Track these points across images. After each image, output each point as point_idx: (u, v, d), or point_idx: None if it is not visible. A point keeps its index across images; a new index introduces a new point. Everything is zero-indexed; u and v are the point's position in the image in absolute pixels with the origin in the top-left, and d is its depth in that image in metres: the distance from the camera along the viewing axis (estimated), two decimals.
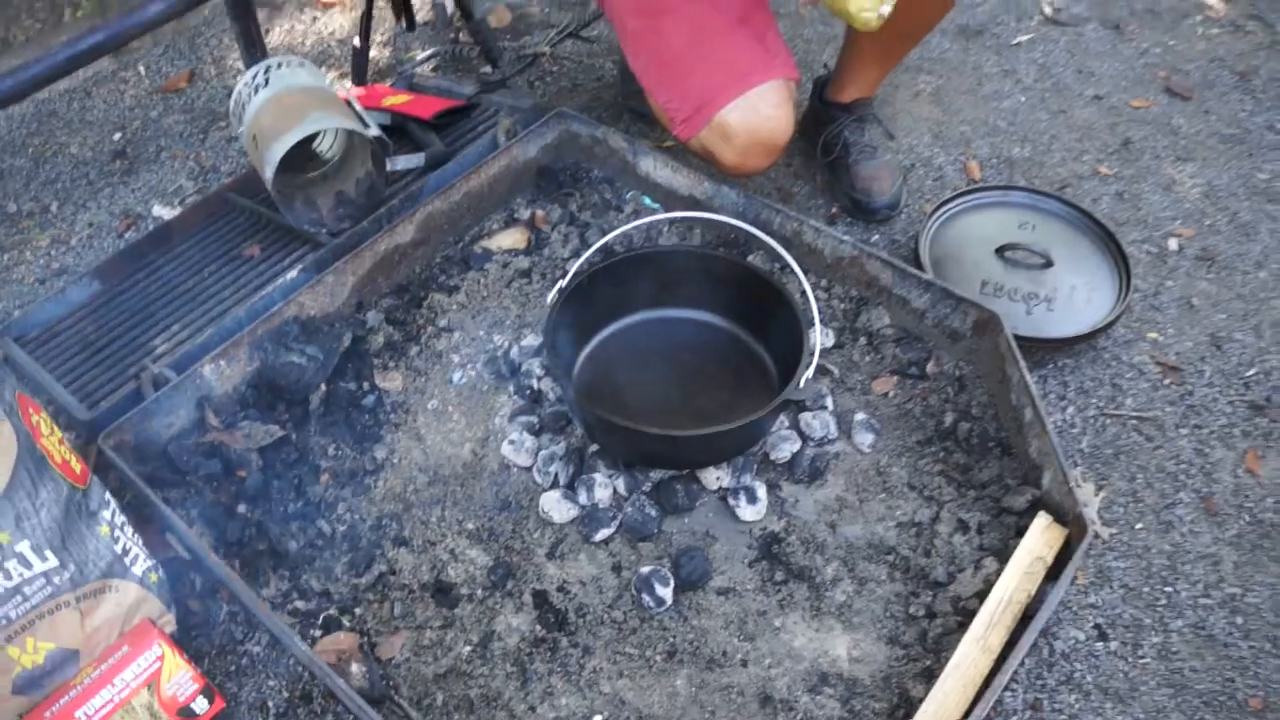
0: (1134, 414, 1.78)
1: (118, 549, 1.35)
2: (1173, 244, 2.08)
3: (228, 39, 2.62)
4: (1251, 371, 1.85)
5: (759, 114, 1.75)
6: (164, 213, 2.15)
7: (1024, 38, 2.60)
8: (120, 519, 1.39)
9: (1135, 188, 2.20)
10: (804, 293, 1.61)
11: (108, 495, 1.38)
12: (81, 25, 2.87)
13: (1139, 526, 1.63)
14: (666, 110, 1.85)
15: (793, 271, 1.67)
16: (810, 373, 1.53)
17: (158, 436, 1.56)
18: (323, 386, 1.70)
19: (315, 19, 2.73)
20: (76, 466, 1.33)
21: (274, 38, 2.64)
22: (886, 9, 1.52)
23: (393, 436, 1.68)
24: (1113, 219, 2.11)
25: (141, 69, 2.57)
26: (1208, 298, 1.98)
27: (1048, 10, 2.69)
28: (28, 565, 1.26)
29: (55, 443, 1.30)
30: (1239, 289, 2.00)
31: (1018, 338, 1.67)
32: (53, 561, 1.28)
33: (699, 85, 1.78)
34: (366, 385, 1.74)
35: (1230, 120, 2.36)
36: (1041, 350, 1.83)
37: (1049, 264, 1.91)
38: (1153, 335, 1.91)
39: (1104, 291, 1.88)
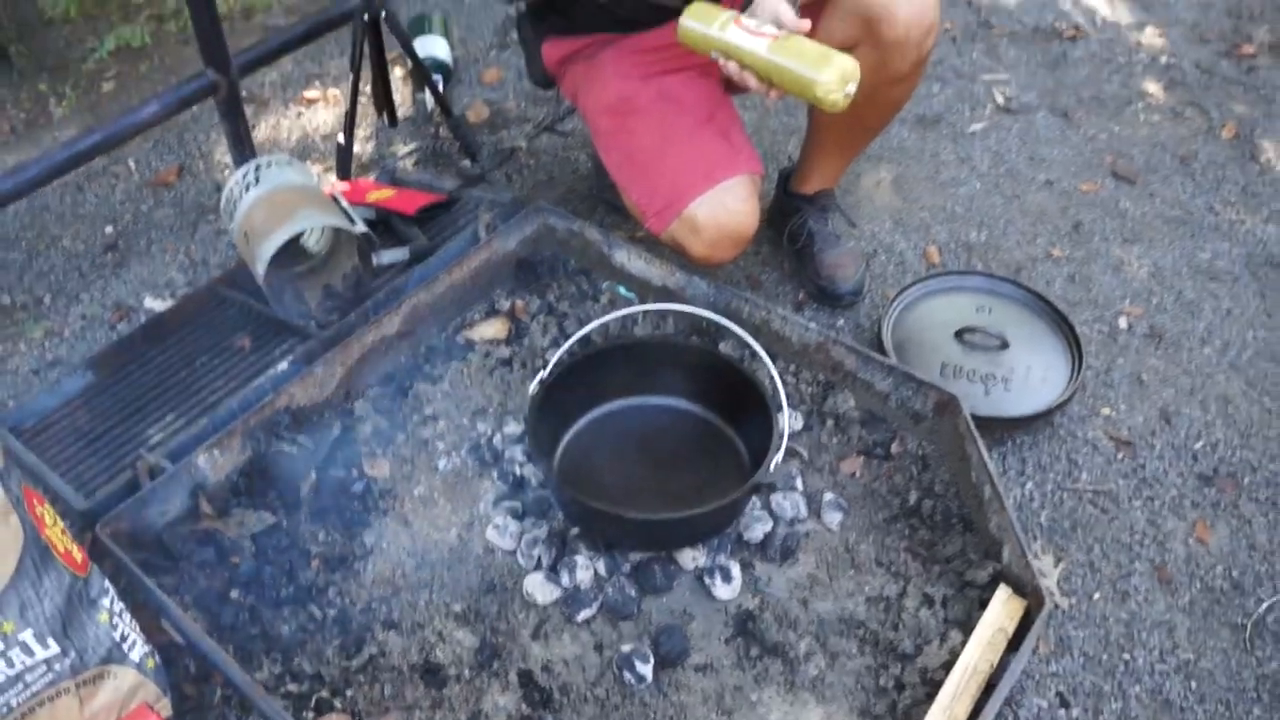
0: (1090, 488, 1.87)
1: (116, 635, 1.40)
2: (1123, 322, 2.19)
3: (215, 133, 2.71)
4: (1199, 444, 1.95)
5: (726, 208, 1.85)
6: (156, 305, 2.22)
7: (978, 126, 2.74)
8: (118, 606, 1.44)
9: (1086, 269, 2.31)
10: (772, 379, 1.70)
11: (107, 583, 1.43)
12: (75, 124, 2.97)
13: (1096, 596, 1.70)
14: (638, 205, 1.95)
15: (761, 359, 1.76)
16: (780, 457, 1.61)
17: (153, 524, 1.62)
18: (313, 474, 1.76)
19: (300, 114, 2.83)
20: (78, 556, 1.38)
21: (260, 133, 2.74)
22: (851, 88, 1.61)
23: (381, 522, 1.74)
24: (1065, 300, 2.22)
25: (131, 164, 2.66)
26: (1157, 374, 2.08)
27: (1000, 100, 2.83)
28: (30, 653, 1.31)
29: (58, 533, 1.36)
30: (1186, 365, 2.10)
31: (977, 417, 1.76)
32: (54, 649, 1.33)
33: (668, 181, 1.88)
34: (355, 473, 1.80)
35: (1173, 202, 2.50)
36: (1000, 428, 1.92)
37: (1005, 345, 2.01)
38: (1106, 411, 2.01)
39: (1058, 370, 1.98)
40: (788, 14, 1.64)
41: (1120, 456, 1.93)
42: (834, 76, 1.56)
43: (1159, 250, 2.37)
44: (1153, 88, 2.88)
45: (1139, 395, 2.04)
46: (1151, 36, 3.10)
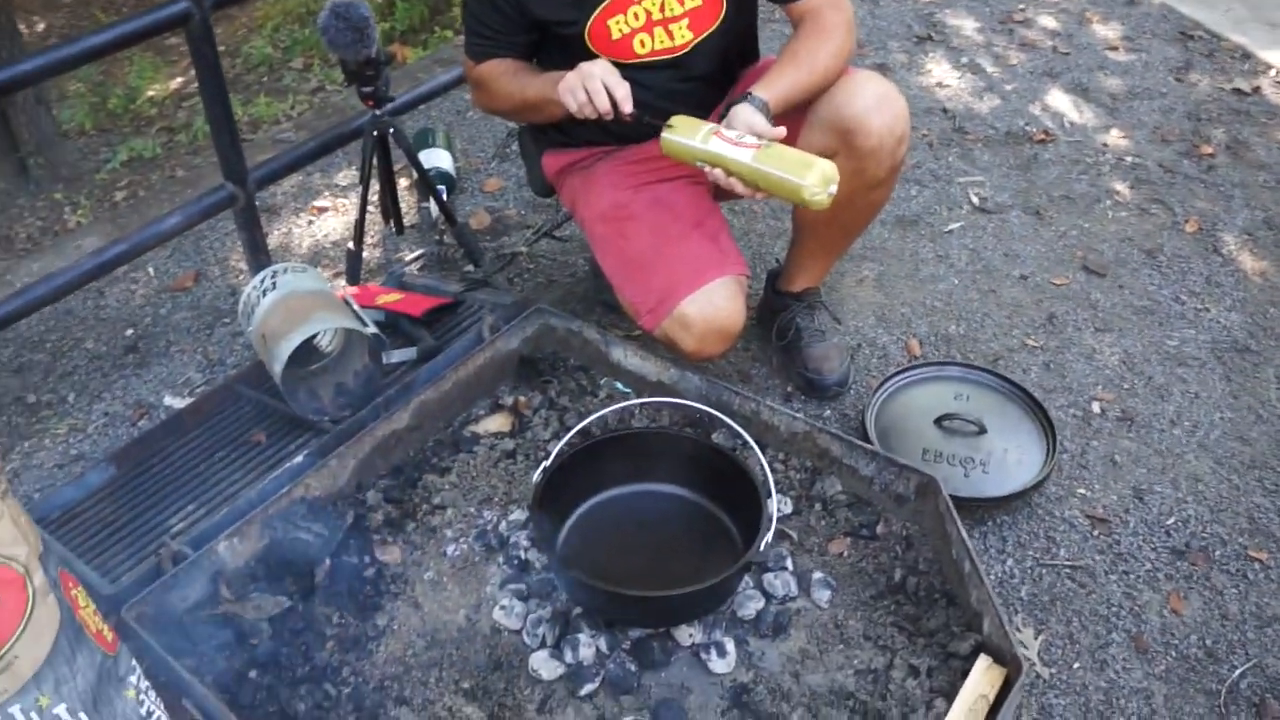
0: (1067, 563, 1.96)
1: (143, 711, 1.48)
2: (1096, 407, 2.30)
3: (230, 240, 2.86)
4: (1171, 520, 2.05)
5: (714, 306, 1.97)
6: (175, 402, 2.33)
7: (955, 225, 2.89)
8: (144, 684, 1.51)
9: (1060, 358, 2.44)
10: (762, 466, 1.80)
11: (134, 662, 1.51)
12: (92, 231, 3.11)
13: (1076, 666, 1.78)
14: (633, 304, 2.07)
15: (751, 448, 1.86)
16: (769, 538, 1.70)
17: (175, 608, 1.70)
18: (327, 561, 1.85)
19: (311, 222, 2.98)
20: (109, 635, 1.47)
21: (273, 239, 2.89)
22: (833, 188, 1.74)
23: (392, 605, 1.83)
24: (1041, 387, 2.34)
25: (151, 270, 2.80)
26: (1129, 454, 2.19)
27: (975, 200, 2.99)
28: None
29: (91, 614, 1.44)
30: (1157, 445, 2.21)
31: (958, 498, 1.86)
32: None
33: (661, 282, 2.01)
34: (367, 559, 1.89)
35: (1141, 293, 2.63)
36: (980, 509, 2.01)
37: (983, 431, 2.12)
38: (1082, 491, 2.11)
39: (1033, 453, 2.09)
40: (763, 124, 1.79)
41: (1096, 533, 2.02)
42: (817, 179, 1.71)
43: (1129, 338, 2.49)
44: (1119, 186, 3.05)
45: (1113, 475, 2.14)
46: (1117, 138, 3.28)
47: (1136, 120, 3.38)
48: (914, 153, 3.21)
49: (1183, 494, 2.10)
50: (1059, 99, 3.51)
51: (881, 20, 4.11)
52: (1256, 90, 3.54)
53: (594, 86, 1.85)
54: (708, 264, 2.00)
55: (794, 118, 2.00)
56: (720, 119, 1.85)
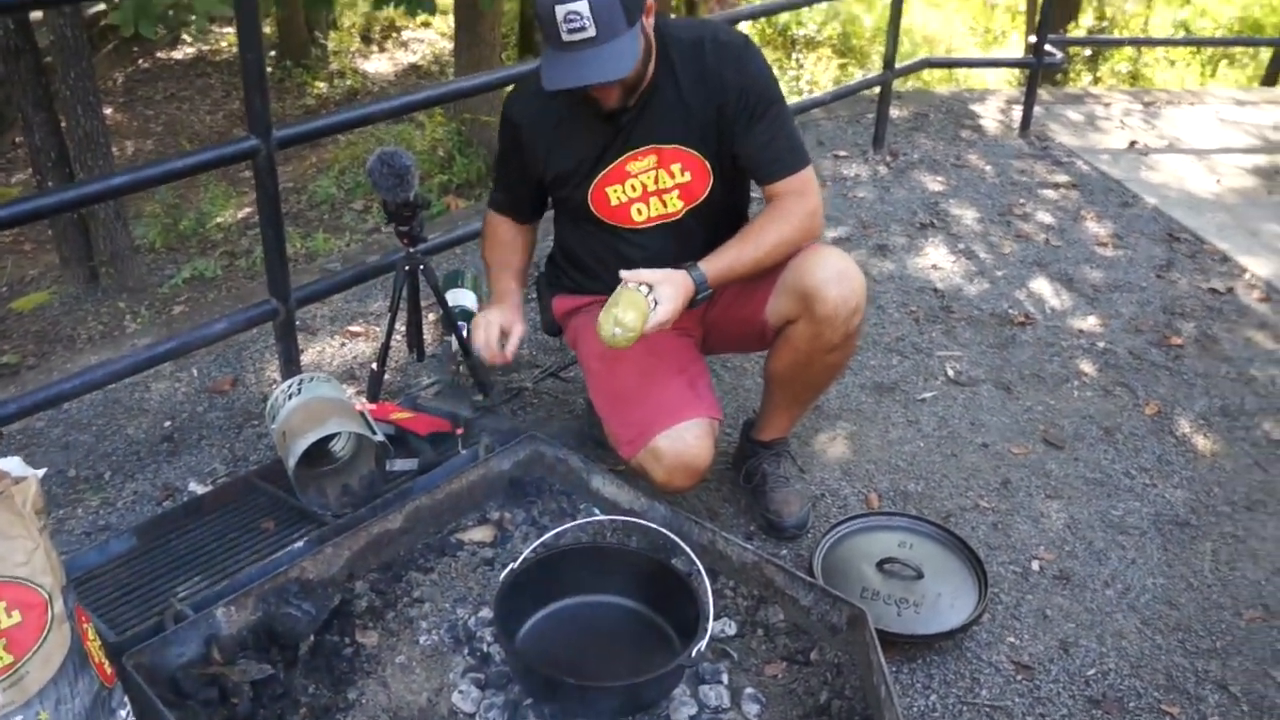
0: (988, 703, 2.12)
1: None
2: (1035, 565, 2.48)
3: (268, 354, 3.16)
4: (1092, 672, 2.21)
5: (684, 442, 2.20)
6: (198, 488, 2.59)
7: (928, 394, 3.13)
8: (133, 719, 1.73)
9: (1008, 519, 2.63)
10: (705, 588, 2.01)
11: (126, 699, 1.72)
12: (146, 340, 3.43)
13: None
14: (614, 434, 2.32)
15: (699, 572, 2.07)
16: (703, 645, 1.90)
17: (170, 662, 1.92)
18: (311, 637, 2.06)
19: (343, 344, 3.29)
20: (108, 669, 1.69)
21: (308, 356, 3.19)
22: (619, 330, 2.03)
23: (364, 682, 2.03)
24: (986, 544, 2.53)
25: (195, 371, 3.11)
26: (1061, 610, 2.36)
27: (950, 373, 3.23)
28: None
29: (96, 646, 1.67)
30: (1088, 604, 2.38)
31: (888, 634, 2.05)
32: None
33: (640, 416, 2.25)
34: (348, 639, 2.10)
35: (1094, 466, 2.83)
36: (911, 646, 2.19)
37: (920, 576, 2.31)
38: (1011, 639, 2.27)
39: (966, 600, 2.27)
40: (650, 275, 2.09)
41: (1019, 678, 2.18)
42: (605, 319, 2.03)
43: (1076, 506, 2.68)
44: (1088, 368, 3.28)
45: (1042, 627, 2.31)
46: (1093, 325, 3.53)
47: (1114, 310, 3.64)
48: (899, 326, 3.48)
49: (1106, 649, 2.26)
50: (1043, 286, 3.78)
51: (889, 206, 4.45)
52: (1230, 290, 3.80)
53: (489, 335, 2.29)
54: (684, 405, 2.25)
55: (764, 286, 2.28)
56: (693, 304, 2.16)
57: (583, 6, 1.97)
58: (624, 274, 2.10)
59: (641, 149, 2.25)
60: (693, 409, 2.24)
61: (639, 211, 2.31)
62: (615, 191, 2.29)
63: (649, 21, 2.12)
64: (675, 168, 2.27)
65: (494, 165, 2.43)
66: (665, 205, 2.31)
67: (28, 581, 1.56)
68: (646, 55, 2.13)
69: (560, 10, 1.97)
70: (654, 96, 2.21)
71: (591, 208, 2.31)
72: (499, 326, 2.31)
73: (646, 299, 2.06)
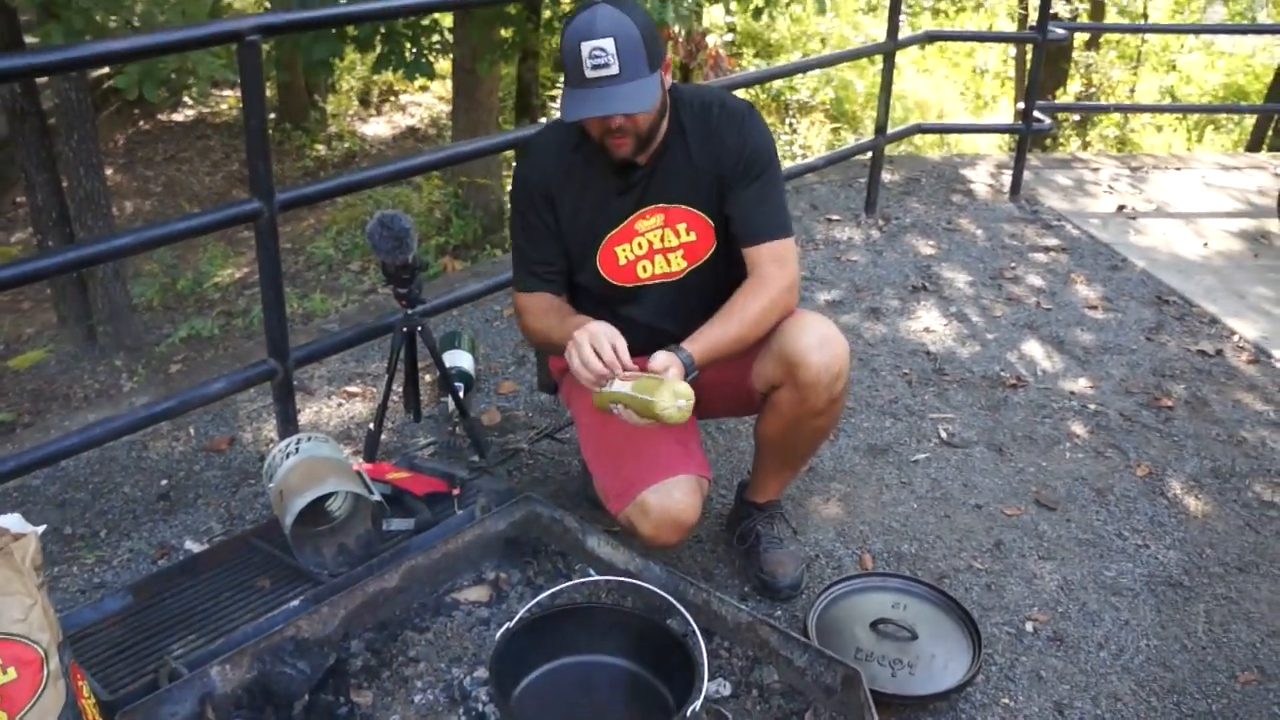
0: None
1: None
2: (1029, 626, 2.49)
3: (265, 413, 3.18)
4: None
5: (671, 498, 2.22)
6: (194, 547, 2.60)
7: (921, 456, 3.15)
8: None
9: (1002, 580, 2.64)
10: (700, 649, 2.02)
11: None
12: (142, 398, 3.45)
13: None
14: (604, 489, 2.33)
15: (694, 633, 2.07)
16: (698, 705, 1.90)
17: None
18: (306, 696, 2.05)
19: (340, 404, 3.31)
20: None
21: (305, 415, 3.21)
22: (683, 402, 1.99)
23: None
24: (980, 605, 2.53)
25: (191, 430, 3.12)
26: (1055, 671, 2.36)
27: (943, 435, 3.26)
28: None
29: (90, 705, 1.67)
30: (1082, 665, 2.38)
31: (883, 694, 2.06)
32: None
33: (629, 472, 2.27)
34: (343, 699, 2.09)
35: (1086, 527, 2.85)
36: (905, 707, 2.19)
37: (914, 637, 2.31)
38: (1005, 701, 2.27)
39: (959, 661, 2.27)
40: (661, 363, 2.07)
41: None
42: (667, 395, 1.98)
43: (1069, 567, 2.70)
44: (1079, 430, 3.31)
45: (1037, 689, 2.31)
46: (1084, 387, 3.57)
47: (1105, 372, 3.68)
48: (892, 388, 3.51)
49: (1101, 710, 2.26)
50: (1034, 349, 3.82)
51: (882, 269, 4.51)
52: (1219, 352, 3.85)
53: (599, 345, 2.11)
54: (673, 462, 2.27)
55: (749, 352, 2.30)
56: (685, 376, 2.11)
57: (609, 44, 2.02)
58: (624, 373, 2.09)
59: (650, 208, 2.30)
60: (682, 466, 2.26)
61: (644, 269, 2.35)
62: (624, 250, 2.32)
63: (667, 78, 2.18)
64: (681, 227, 2.31)
65: (515, 246, 2.43)
66: (669, 264, 2.35)
67: (24, 638, 1.57)
68: (663, 107, 2.18)
69: (586, 46, 2.02)
70: (665, 156, 2.26)
71: (599, 267, 2.34)
72: (605, 336, 2.12)
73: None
